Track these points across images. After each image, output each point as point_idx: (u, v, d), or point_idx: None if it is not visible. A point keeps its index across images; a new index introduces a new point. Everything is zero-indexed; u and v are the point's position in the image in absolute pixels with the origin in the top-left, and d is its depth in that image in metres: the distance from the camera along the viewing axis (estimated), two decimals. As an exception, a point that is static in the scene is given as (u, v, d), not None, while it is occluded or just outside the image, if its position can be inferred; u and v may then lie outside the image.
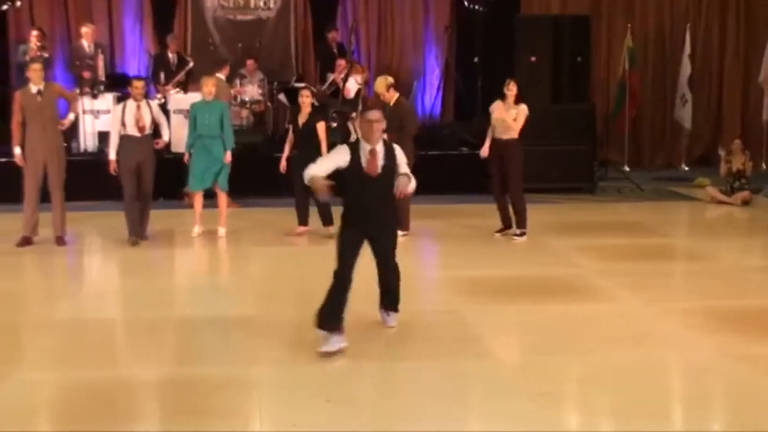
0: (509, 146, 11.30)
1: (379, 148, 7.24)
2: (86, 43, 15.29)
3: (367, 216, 7.25)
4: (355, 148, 7.27)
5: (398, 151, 7.38)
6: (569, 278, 9.60)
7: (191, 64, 15.56)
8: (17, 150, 10.93)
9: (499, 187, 11.47)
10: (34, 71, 10.96)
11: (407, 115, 11.43)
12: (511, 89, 11.31)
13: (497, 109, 11.36)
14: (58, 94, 11.27)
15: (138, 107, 11.03)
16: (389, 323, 7.81)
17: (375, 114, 7.28)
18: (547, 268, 10.07)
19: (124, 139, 11.06)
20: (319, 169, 7.22)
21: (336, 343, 7.12)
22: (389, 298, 7.78)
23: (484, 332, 7.74)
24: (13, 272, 10.17)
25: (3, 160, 13.37)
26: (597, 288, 9.24)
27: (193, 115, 11.39)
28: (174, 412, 6.11)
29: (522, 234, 11.42)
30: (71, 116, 11.39)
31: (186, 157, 11.46)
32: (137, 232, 11.16)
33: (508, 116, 11.25)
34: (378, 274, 7.63)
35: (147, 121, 11.05)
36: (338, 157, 7.26)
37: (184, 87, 15.34)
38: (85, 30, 15.39)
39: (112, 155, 11.04)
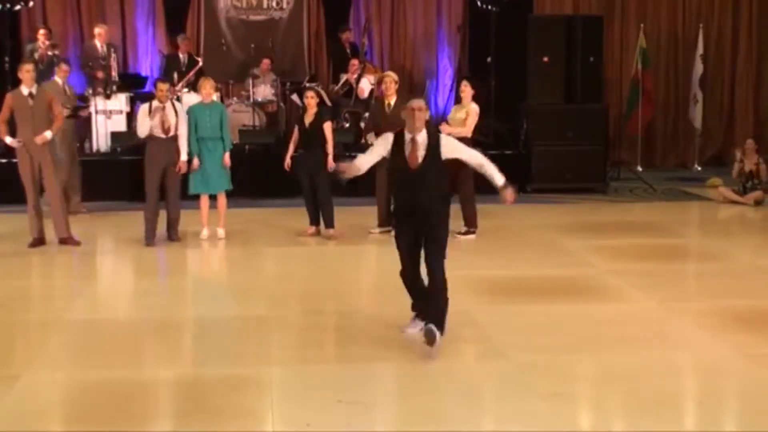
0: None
1: (420, 138, 7.04)
2: (99, 44, 15.34)
3: (413, 210, 7.07)
4: (399, 137, 7.14)
5: (446, 140, 7.16)
6: (582, 278, 9.59)
7: (200, 64, 15.58)
8: (8, 139, 10.79)
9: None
10: (27, 72, 10.75)
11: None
12: (463, 90, 11.52)
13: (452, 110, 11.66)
14: (50, 102, 10.93)
15: (163, 108, 11.06)
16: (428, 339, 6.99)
17: (417, 102, 7.06)
18: (559, 268, 10.05)
19: (150, 140, 11.12)
20: (363, 161, 7.29)
21: (414, 327, 7.39)
22: (429, 310, 7.14)
23: (496, 332, 7.73)
24: (24, 272, 10.20)
25: (4, 161, 13.46)
26: (610, 288, 9.23)
27: (193, 118, 11.28)
28: (186, 413, 6.10)
29: (467, 233, 11.49)
30: (48, 134, 10.81)
31: (195, 162, 11.28)
32: (174, 233, 11.30)
33: (458, 116, 11.46)
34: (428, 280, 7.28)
35: (172, 122, 11.06)
36: (382, 147, 7.19)
37: (195, 87, 15.32)
38: (99, 30, 15.44)
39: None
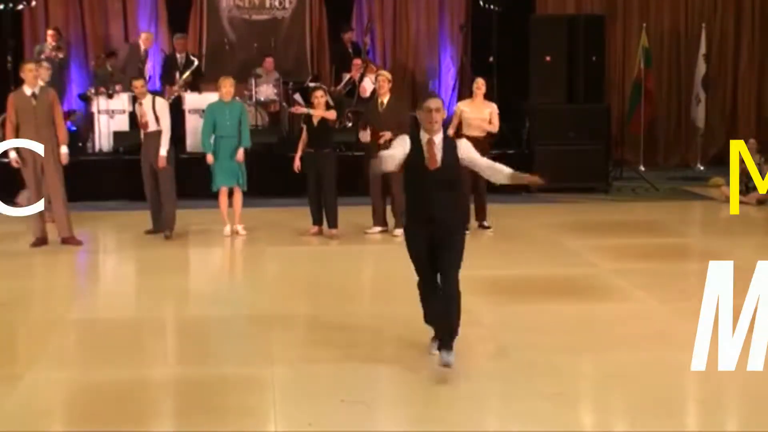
0: (480, 142, 11.16)
1: (438, 140, 6.74)
2: (143, 48, 15.43)
3: (428, 214, 6.68)
4: (415, 139, 6.78)
5: (462, 145, 6.86)
6: (584, 278, 9.58)
7: (195, 64, 15.56)
8: (12, 154, 10.72)
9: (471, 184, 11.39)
10: (29, 71, 10.75)
11: (405, 112, 11.46)
12: (481, 87, 11.80)
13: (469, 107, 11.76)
14: (52, 103, 10.85)
15: (140, 104, 11.31)
16: (443, 360, 6.60)
17: (435, 102, 6.75)
18: (561, 268, 10.05)
19: (143, 136, 11.43)
20: (392, 154, 6.79)
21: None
22: (442, 327, 6.81)
23: (498, 332, 7.74)
24: (26, 272, 10.21)
25: (5, 160, 13.43)
26: (612, 288, 9.22)
27: (211, 116, 11.36)
28: (189, 412, 6.12)
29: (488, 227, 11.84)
30: (64, 149, 10.83)
31: (210, 158, 11.36)
32: (167, 230, 11.35)
33: (483, 116, 11.68)
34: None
35: (149, 118, 11.24)
36: (401, 148, 6.77)
37: (193, 87, 15.32)
38: (145, 35, 15.58)
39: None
